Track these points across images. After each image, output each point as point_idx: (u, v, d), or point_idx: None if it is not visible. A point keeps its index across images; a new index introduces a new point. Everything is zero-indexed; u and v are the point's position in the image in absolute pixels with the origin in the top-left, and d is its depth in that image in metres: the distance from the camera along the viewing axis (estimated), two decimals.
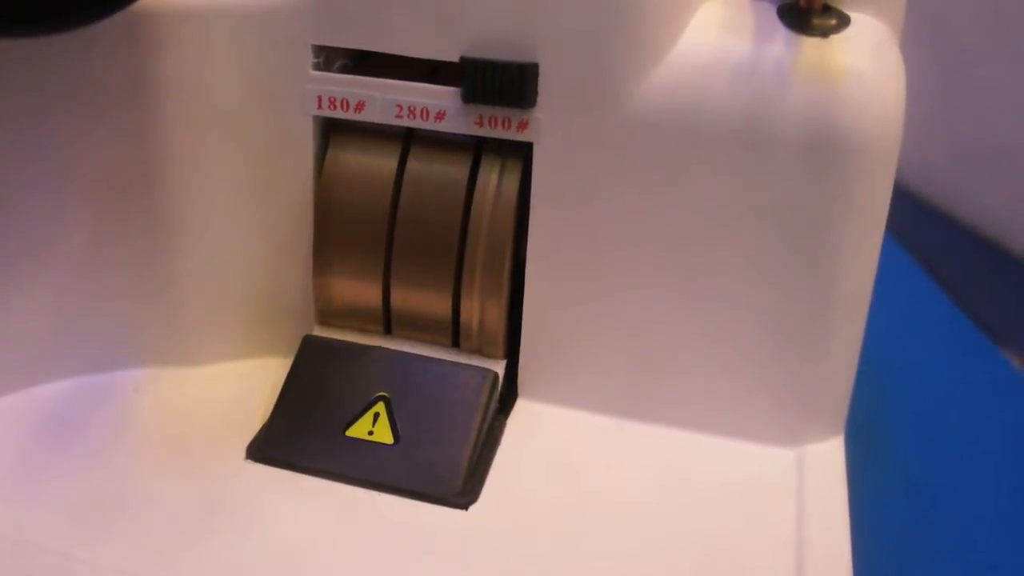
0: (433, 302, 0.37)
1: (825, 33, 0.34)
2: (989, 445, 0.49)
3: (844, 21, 0.35)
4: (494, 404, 0.37)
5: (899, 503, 0.45)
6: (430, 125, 0.36)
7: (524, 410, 0.38)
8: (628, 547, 0.33)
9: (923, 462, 0.47)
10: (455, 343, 0.38)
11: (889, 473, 0.46)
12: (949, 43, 0.70)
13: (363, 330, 0.38)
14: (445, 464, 0.35)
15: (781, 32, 0.34)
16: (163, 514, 0.33)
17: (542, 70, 0.34)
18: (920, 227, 0.70)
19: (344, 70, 0.36)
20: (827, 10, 0.35)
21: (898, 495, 0.45)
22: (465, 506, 0.34)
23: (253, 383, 0.39)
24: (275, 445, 0.36)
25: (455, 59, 0.34)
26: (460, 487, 0.35)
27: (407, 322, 0.38)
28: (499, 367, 0.37)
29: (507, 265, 0.36)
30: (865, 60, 0.34)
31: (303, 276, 0.38)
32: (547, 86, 0.34)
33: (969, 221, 0.71)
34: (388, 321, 0.38)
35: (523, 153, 0.36)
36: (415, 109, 0.35)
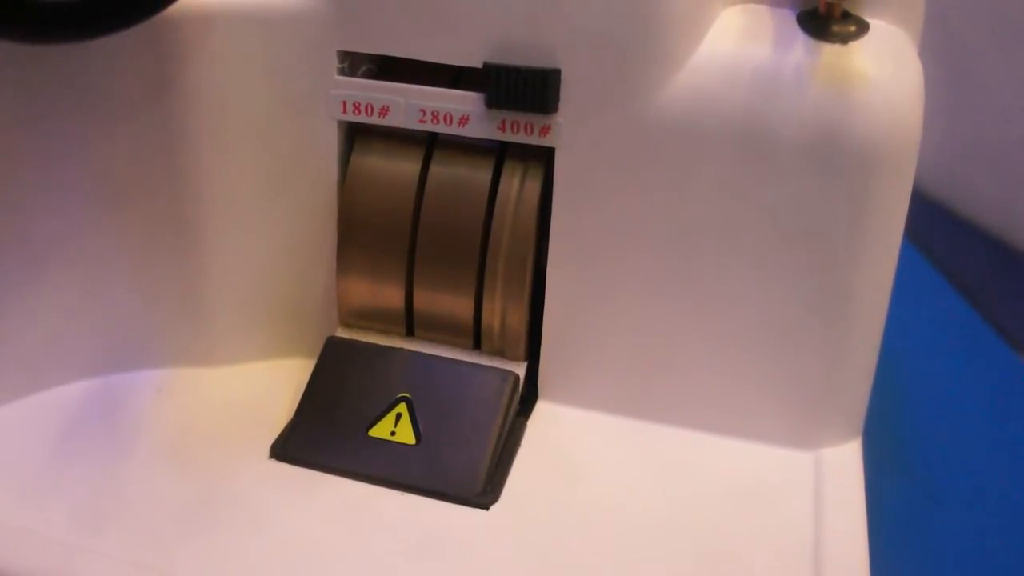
0: (455, 304, 0.37)
1: (844, 40, 0.34)
2: (1004, 447, 0.49)
3: (863, 28, 0.35)
4: (515, 406, 0.37)
5: (915, 505, 0.45)
6: (453, 130, 0.36)
7: (544, 411, 0.38)
8: (646, 548, 0.34)
9: (938, 464, 0.47)
10: (476, 345, 0.38)
11: (904, 474, 0.46)
12: (953, 43, 0.70)
13: (385, 332, 0.39)
14: (466, 464, 0.35)
15: (800, 38, 0.35)
16: (186, 511, 0.34)
17: (564, 76, 0.34)
18: (932, 227, 0.70)
19: (368, 75, 0.37)
20: (846, 17, 0.35)
21: (913, 496, 0.45)
22: (486, 506, 0.35)
23: (276, 383, 0.39)
24: (298, 445, 0.36)
25: (478, 65, 0.35)
26: (481, 487, 0.35)
27: (429, 324, 0.38)
28: (520, 369, 0.38)
29: (529, 268, 0.37)
30: (884, 67, 0.34)
31: (327, 278, 0.39)
32: (569, 92, 0.35)
33: (979, 220, 0.71)
34: (410, 323, 0.38)
35: (545, 158, 0.36)
36: (438, 114, 0.36)
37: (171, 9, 0.34)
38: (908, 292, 0.44)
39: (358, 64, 0.37)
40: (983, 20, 0.69)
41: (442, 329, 0.38)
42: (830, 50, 0.34)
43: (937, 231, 0.70)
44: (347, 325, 0.39)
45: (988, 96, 0.71)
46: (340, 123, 0.37)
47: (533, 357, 0.38)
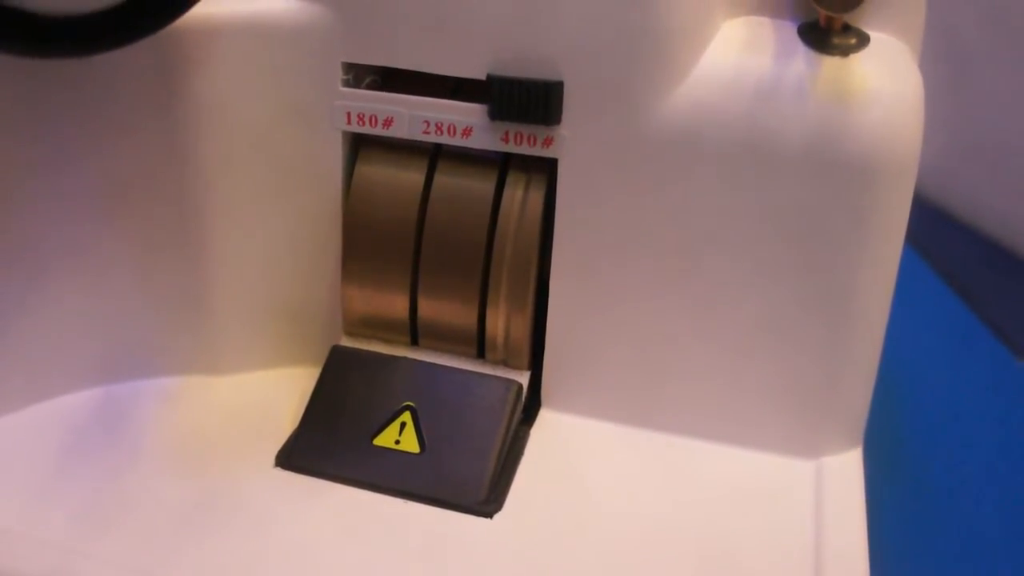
0: (459, 314, 0.38)
1: (845, 52, 0.35)
2: (1002, 449, 0.49)
3: (863, 40, 0.35)
4: (518, 414, 0.38)
5: (914, 507, 0.45)
6: (457, 141, 0.36)
7: (548, 420, 0.39)
8: (648, 556, 0.34)
9: (936, 466, 0.48)
10: (480, 354, 0.38)
11: (903, 476, 0.46)
12: (954, 47, 0.70)
13: (390, 341, 0.39)
14: (470, 473, 0.36)
15: (801, 51, 0.35)
16: (191, 517, 0.34)
17: (567, 88, 0.35)
18: (932, 231, 0.70)
19: (373, 87, 0.37)
20: (847, 29, 0.35)
21: (912, 498, 0.45)
22: (490, 514, 0.35)
23: (282, 392, 0.40)
24: (304, 453, 0.37)
25: (482, 77, 0.35)
26: (485, 495, 0.35)
27: (433, 333, 0.38)
28: (523, 378, 0.38)
29: (532, 278, 0.37)
30: (884, 79, 0.34)
31: (332, 287, 0.39)
32: (572, 103, 0.35)
33: (978, 224, 0.72)
34: (414, 332, 0.39)
35: (548, 168, 0.37)
36: (442, 125, 0.36)
37: (179, 21, 0.34)
38: (907, 295, 0.44)
39: (362, 76, 0.37)
40: (984, 24, 0.70)
41: (446, 338, 0.38)
42: (830, 62, 0.35)
43: (936, 235, 0.70)
44: (352, 334, 0.39)
45: (988, 100, 0.71)
46: (345, 133, 0.37)
47: (536, 366, 0.39)
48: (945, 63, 0.70)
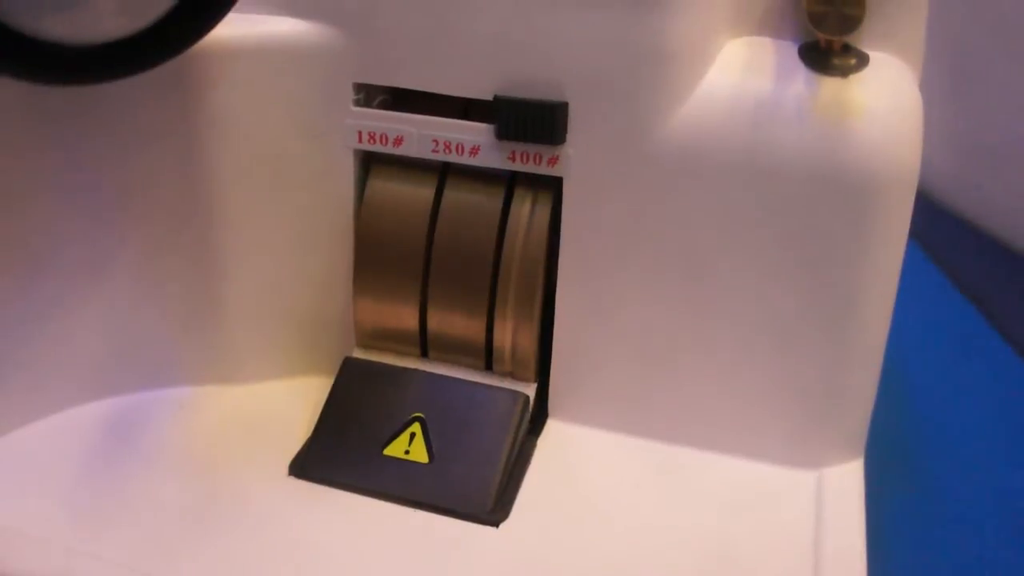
0: (467, 327, 0.38)
1: (844, 73, 0.35)
2: (1009, 453, 0.49)
3: (863, 61, 0.36)
4: (525, 425, 0.38)
5: (918, 510, 0.45)
6: (465, 159, 0.37)
7: (554, 431, 0.39)
8: (651, 567, 0.35)
9: (942, 469, 0.48)
10: (488, 366, 0.39)
11: (908, 480, 0.47)
12: (960, 46, 0.70)
13: (400, 353, 0.40)
14: (477, 483, 0.36)
15: (802, 71, 0.35)
16: (203, 524, 0.35)
17: (572, 109, 0.35)
18: (939, 231, 0.70)
19: (383, 106, 0.38)
20: (847, 50, 0.36)
21: (916, 502, 0.45)
22: (496, 523, 0.36)
23: (295, 401, 0.40)
24: (316, 462, 0.37)
25: (489, 97, 0.36)
26: (491, 505, 0.36)
27: (442, 345, 0.39)
28: (530, 390, 0.39)
29: (539, 292, 0.38)
30: (883, 100, 0.35)
31: (344, 300, 0.40)
32: (577, 124, 0.36)
33: (986, 224, 0.72)
34: (424, 344, 0.40)
35: (554, 186, 0.37)
36: (451, 144, 0.37)
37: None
38: (914, 297, 0.44)
39: (373, 95, 0.38)
40: (989, 23, 0.70)
41: (455, 350, 0.39)
42: (830, 83, 0.35)
43: (944, 236, 0.70)
44: (363, 346, 0.40)
45: (995, 100, 0.71)
46: (356, 151, 0.38)
47: (543, 377, 0.39)
48: (951, 63, 0.70)
